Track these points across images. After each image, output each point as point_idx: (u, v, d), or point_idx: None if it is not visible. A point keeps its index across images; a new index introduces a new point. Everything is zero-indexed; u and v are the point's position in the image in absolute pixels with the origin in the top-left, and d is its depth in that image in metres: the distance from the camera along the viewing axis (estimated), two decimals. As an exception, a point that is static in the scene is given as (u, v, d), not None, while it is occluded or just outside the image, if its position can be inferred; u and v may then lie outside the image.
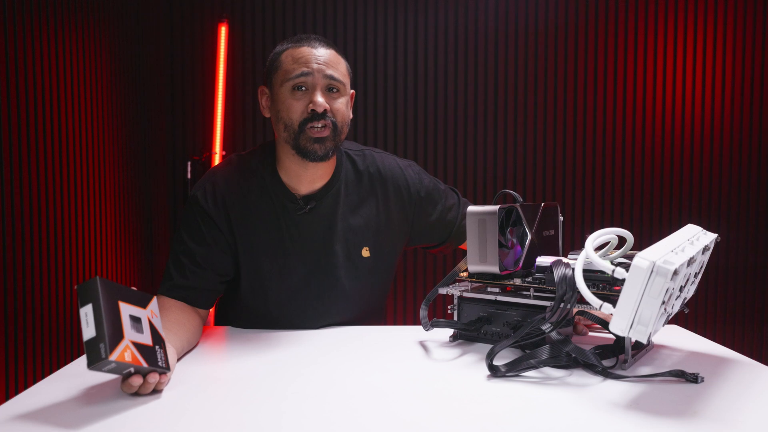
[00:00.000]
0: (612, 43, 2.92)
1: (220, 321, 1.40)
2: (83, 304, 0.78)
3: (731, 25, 2.90)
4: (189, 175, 2.80)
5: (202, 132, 2.84)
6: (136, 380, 0.82)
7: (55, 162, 1.96)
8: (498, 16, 2.90)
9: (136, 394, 0.84)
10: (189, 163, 2.80)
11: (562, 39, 2.91)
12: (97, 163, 2.23)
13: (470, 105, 2.92)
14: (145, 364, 0.81)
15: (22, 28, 1.79)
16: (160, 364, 0.85)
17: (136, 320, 0.84)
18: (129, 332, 0.81)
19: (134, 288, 0.89)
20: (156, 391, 0.86)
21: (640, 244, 0.88)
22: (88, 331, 0.77)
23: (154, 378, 0.83)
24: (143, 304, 0.88)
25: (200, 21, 2.83)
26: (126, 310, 0.83)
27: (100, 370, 0.77)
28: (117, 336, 0.79)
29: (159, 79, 2.80)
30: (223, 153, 2.75)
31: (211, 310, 1.28)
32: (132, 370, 0.81)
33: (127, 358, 0.79)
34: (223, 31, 2.73)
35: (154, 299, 0.92)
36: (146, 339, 0.85)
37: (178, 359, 1.02)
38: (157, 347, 0.86)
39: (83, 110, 2.14)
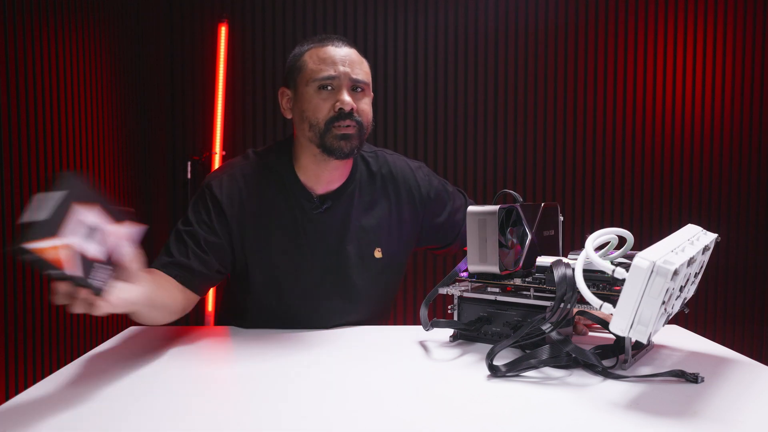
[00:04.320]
0: (612, 43, 2.91)
1: (226, 320, 1.38)
2: (48, 191, 0.72)
3: (731, 25, 2.90)
4: (189, 176, 2.80)
5: (202, 132, 2.84)
6: (62, 287, 0.77)
7: (55, 162, 1.96)
8: (498, 16, 2.90)
9: (80, 311, 0.79)
10: (189, 163, 2.80)
11: (562, 39, 2.91)
12: (97, 164, 2.23)
13: (470, 105, 2.92)
14: (74, 273, 0.74)
15: (22, 28, 1.79)
16: (95, 283, 0.78)
17: (94, 230, 0.78)
18: (73, 235, 0.74)
19: (127, 210, 0.83)
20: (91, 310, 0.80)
21: (640, 244, 0.88)
22: (28, 215, 0.71)
23: (82, 294, 0.78)
24: (116, 221, 0.81)
25: (200, 21, 2.83)
26: (86, 215, 0.76)
27: (21, 256, 0.70)
28: (52, 230, 0.72)
29: (159, 79, 2.80)
30: (223, 153, 2.75)
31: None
32: (53, 273, 0.73)
33: (51, 256, 0.71)
34: (223, 31, 2.73)
35: (134, 228, 0.85)
36: (94, 252, 0.78)
37: (138, 313, 0.99)
38: (99, 266, 0.79)
39: (83, 110, 2.14)
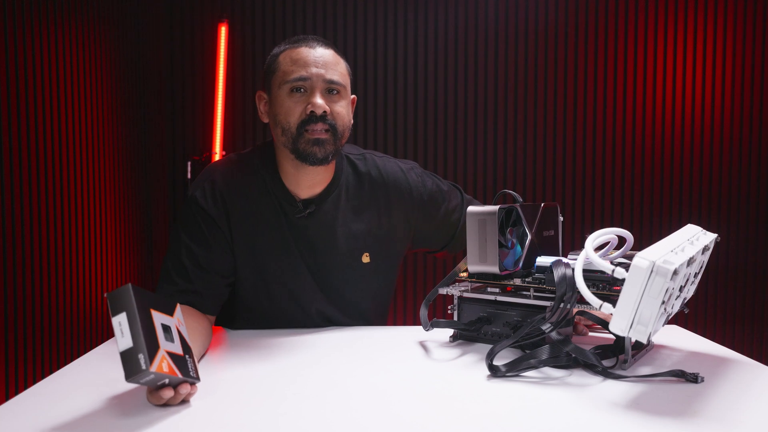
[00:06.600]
0: (612, 43, 2.92)
1: (216, 321, 1.37)
2: (116, 313, 0.74)
3: (731, 25, 2.90)
4: (189, 175, 2.80)
5: (202, 132, 2.84)
6: (167, 393, 0.78)
7: (55, 162, 1.96)
8: (498, 16, 2.90)
9: (165, 405, 0.81)
10: (189, 163, 2.80)
11: (562, 39, 2.91)
12: (97, 163, 2.23)
13: (470, 105, 2.92)
14: (179, 375, 0.78)
15: (22, 28, 1.79)
16: (191, 374, 0.82)
17: (166, 329, 0.81)
18: (163, 342, 0.78)
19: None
20: (184, 401, 0.82)
21: (640, 244, 0.88)
22: (124, 342, 0.73)
23: (185, 389, 0.80)
24: (171, 312, 0.85)
25: (200, 21, 2.83)
26: (157, 318, 0.79)
27: (137, 382, 0.74)
28: (153, 346, 0.75)
29: (159, 79, 2.80)
30: (223, 153, 2.75)
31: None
32: (167, 381, 0.77)
33: (165, 368, 0.75)
34: (223, 31, 2.73)
35: (179, 307, 0.88)
36: (177, 348, 0.81)
37: None
38: (187, 356, 0.83)
39: (83, 110, 2.14)
